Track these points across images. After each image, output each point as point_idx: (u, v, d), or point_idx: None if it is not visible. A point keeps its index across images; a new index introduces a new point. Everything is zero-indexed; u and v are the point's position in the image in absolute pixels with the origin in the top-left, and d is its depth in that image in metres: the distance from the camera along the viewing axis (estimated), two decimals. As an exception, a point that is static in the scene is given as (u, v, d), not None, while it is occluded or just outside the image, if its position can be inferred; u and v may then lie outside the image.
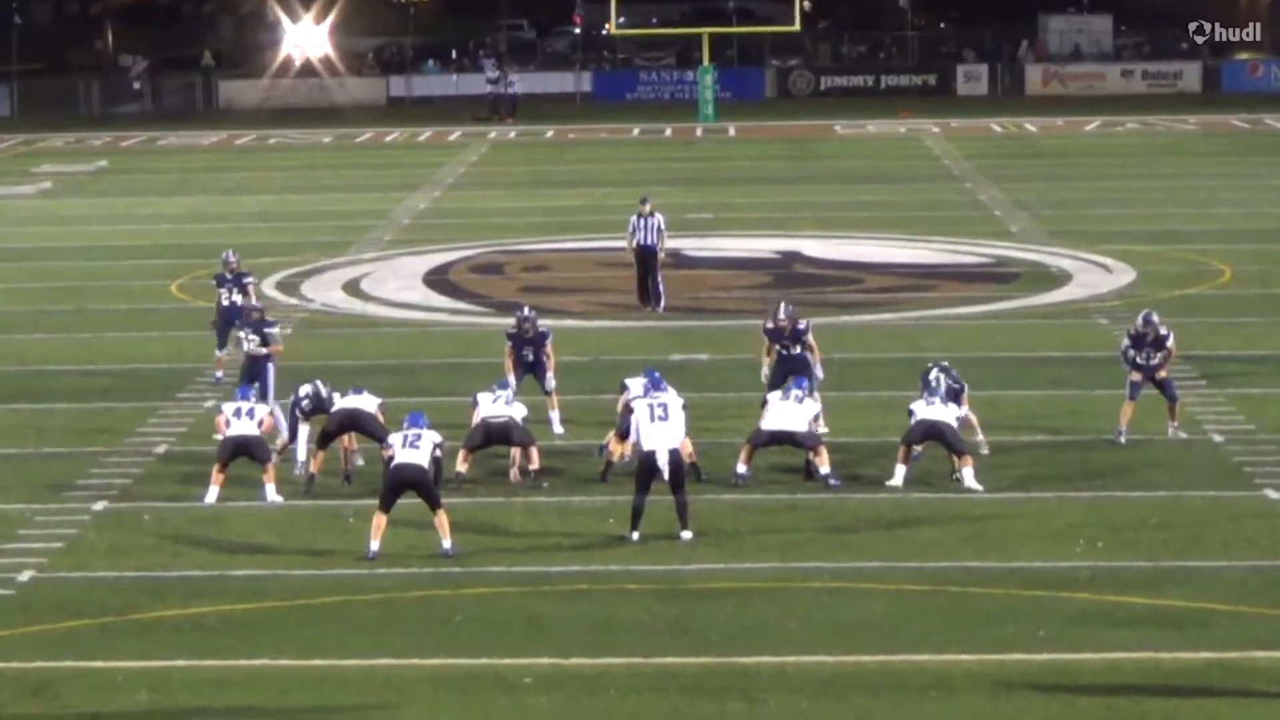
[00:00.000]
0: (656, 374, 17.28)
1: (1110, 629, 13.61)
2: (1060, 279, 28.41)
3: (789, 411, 17.23)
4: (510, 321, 19.99)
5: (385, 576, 14.96)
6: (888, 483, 17.24)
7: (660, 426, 15.73)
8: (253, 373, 19.02)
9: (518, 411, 17.59)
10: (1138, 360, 18.56)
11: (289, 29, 65.40)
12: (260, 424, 17.16)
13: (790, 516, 16.47)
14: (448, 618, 14.06)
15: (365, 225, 35.05)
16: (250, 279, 22.17)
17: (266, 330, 19.28)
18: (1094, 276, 28.51)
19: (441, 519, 15.53)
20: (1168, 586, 14.44)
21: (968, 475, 17.20)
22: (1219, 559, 15.18)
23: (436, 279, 29.37)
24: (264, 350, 19.19)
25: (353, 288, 28.66)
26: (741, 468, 17.32)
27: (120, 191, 41.86)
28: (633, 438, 16.19)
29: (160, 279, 28.57)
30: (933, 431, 17.21)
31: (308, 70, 63.63)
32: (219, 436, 17.40)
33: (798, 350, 19.13)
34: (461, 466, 17.33)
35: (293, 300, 27.55)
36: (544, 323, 20.15)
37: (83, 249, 32.81)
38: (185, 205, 38.92)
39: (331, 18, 64.87)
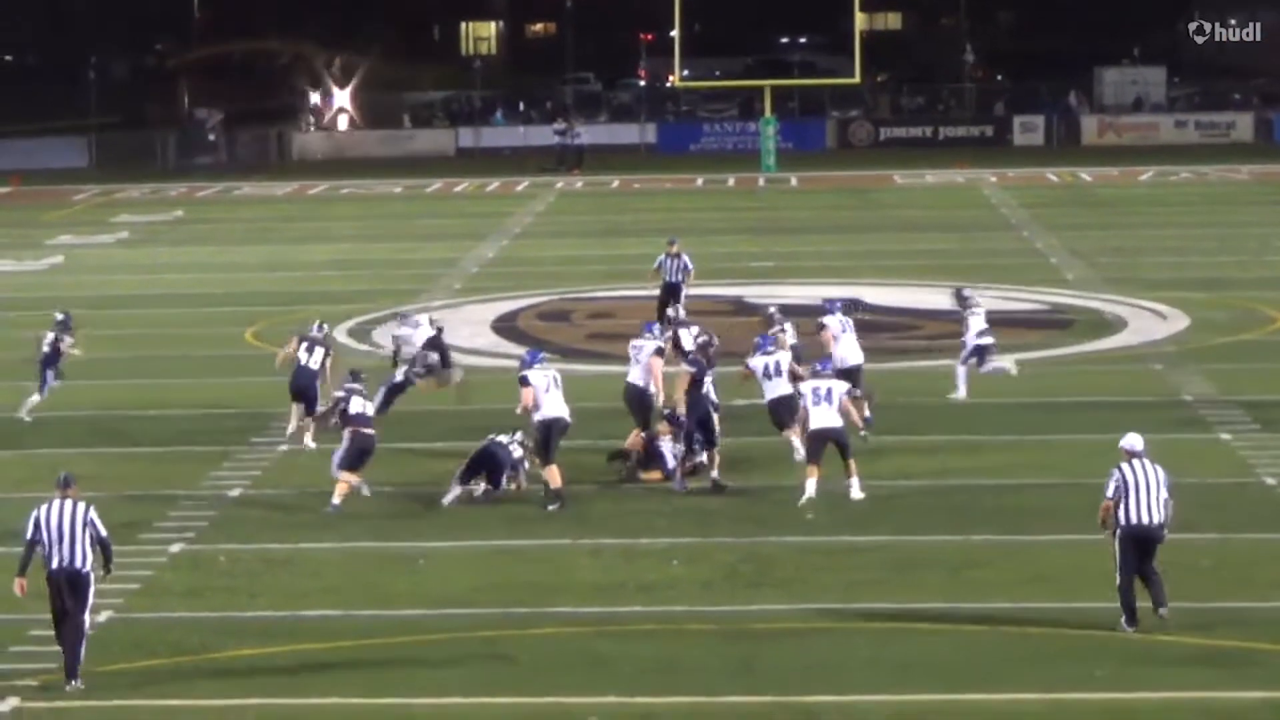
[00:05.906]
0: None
1: (1164, 669, 13.71)
2: (1115, 325, 28.54)
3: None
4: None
5: (453, 617, 15.18)
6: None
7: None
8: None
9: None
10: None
11: (310, 93, 66.78)
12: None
13: (851, 557, 16.67)
14: (514, 657, 14.22)
15: (435, 273, 35.49)
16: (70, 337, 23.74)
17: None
18: (1148, 323, 28.63)
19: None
20: (1220, 627, 14.52)
21: (854, 486, 18.20)
22: (1270, 600, 15.26)
23: (505, 326, 29.78)
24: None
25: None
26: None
27: (196, 241, 42.47)
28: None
29: (235, 326, 29.02)
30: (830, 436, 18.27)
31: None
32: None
33: None
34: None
35: (364, 346, 27.97)
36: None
37: (159, 296, 33.31)
38: (259, 254, 39.47)
39: (355, 82, 66.18)
